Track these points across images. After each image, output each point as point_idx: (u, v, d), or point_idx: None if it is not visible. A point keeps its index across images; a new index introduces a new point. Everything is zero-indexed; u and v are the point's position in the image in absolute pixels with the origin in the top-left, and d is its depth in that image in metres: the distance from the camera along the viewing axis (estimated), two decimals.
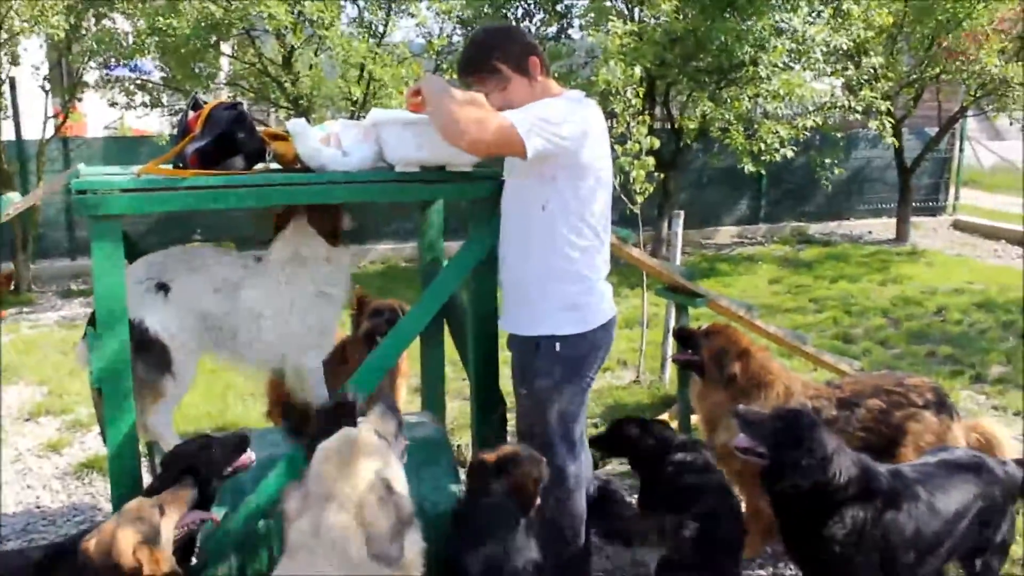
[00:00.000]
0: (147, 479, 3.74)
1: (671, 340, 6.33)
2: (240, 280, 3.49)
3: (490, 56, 3.19)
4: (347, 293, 3.74)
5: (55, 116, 10.10)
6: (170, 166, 3.27)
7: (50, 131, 10.00)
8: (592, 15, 9.99)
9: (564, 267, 3.25)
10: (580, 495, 3.50)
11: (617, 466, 5.17)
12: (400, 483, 2.71)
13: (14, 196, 3.65)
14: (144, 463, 3.76)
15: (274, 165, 3.51)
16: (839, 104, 10.05)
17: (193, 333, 3.41)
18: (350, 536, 2.45)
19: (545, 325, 3.28)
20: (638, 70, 6.50)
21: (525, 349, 3.34)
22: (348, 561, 2.42)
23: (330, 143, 3.29)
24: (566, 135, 3.06)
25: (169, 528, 2.77)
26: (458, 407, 5.67)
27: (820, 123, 9.99)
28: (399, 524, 2.53)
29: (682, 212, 6.29)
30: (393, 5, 10.31)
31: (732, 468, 3.96)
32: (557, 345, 3.26)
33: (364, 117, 3.98)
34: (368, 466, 2.61)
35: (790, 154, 9.61)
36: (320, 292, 3.58)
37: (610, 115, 7.18)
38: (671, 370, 6.44)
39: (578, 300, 3.28)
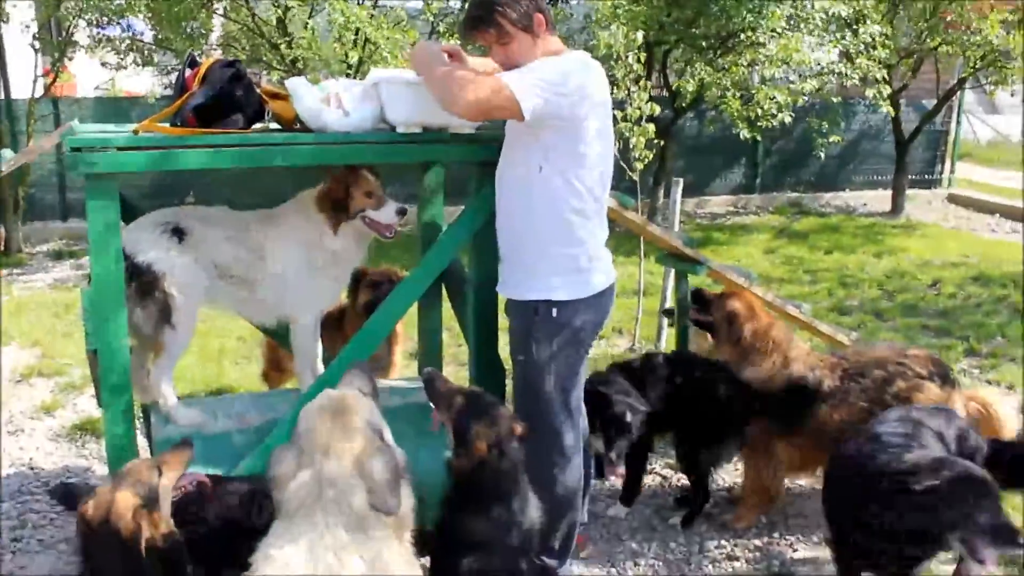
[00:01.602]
0: (141, 441, 3.73)
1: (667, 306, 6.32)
2: (248, 225, 3.51)
3: (493, 11, 3.11)
4: (339, 265, 3.69)
5: (44, 75, 9.96)
6: (168, 124, 3.21)
7: (39, 91, 9.86)
8: None
9: (562, 230, 3.20)
10: (577, 462, 3.49)
11: None
12: (390, 436, 2.69)
13: (6, 153, 3.58)
14: (139, 426, 3.73)
15: (273, 125, 3.45)
16: (836, 71, 9.96)
17: (199, 282, 3.39)
18: (353, 487, 2.43)
19: (543, 289, 3.24)
20: (640, 35, 6.41)
21: (523, 314, 3.30)
22: (351, 513, 2.41)
23: (330, 103, 3.23)
24: (565, 94, 3.01)
25: (167, 490, 2.74)
26: (454, 372, 5.64)
27: (817, 88, 9.92)
28: (396, 474, 2.52)
29: (681, 180, 6.25)
30: None
31: None
32: (555, 310, 3.23)
33: (362, 78, 3.93)
34: (361, 418, 2.59)
35: (788, 119, 9.55)
36: (308, 253, 3.55)
37: (611, 81, 7.11)
38: (667, 338, 6.43)
39: (576, 264, 3.25)
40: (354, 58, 9.19)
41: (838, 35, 9.79)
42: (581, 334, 3.33)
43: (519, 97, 2.94)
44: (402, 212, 3.56)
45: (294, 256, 3.53)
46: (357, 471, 2.46)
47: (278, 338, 4.17)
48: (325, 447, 2.48)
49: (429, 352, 4.34)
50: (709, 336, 4.42)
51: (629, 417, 3.83)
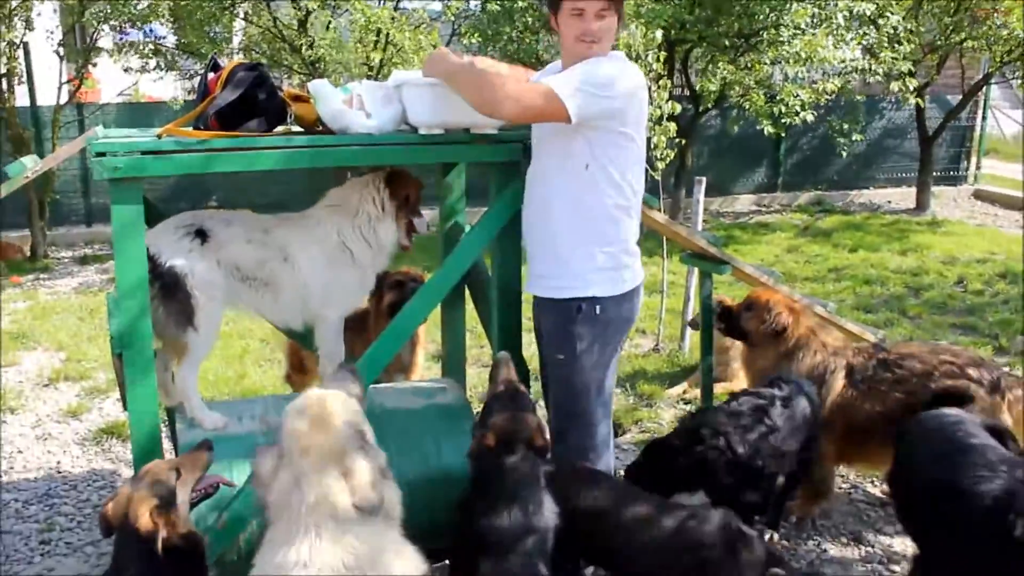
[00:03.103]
0: (166, 444, 3.74)
1: (691, 307, 6.29)
2: (270, 227, 3.50)
3: None
4: (376, 261, 3.68)
5: (69, 82, 10.06)
6: (190, 128, 3.22)
7: (64, 97, 9.95)
8: None
9: (607, 227, 3.22)
10: (609, 455, 3.52)
11: (637, 435, 5.15)
12: (372, 436, 2.68)
13: (31, 160, 3.60)
14: (163, 429, 3.74)
15: (295, 127, 3.46)
16: (860, 67, 9.87)
17: (221, 284, 3.37)
18: (334, 487, 2.43)
19: (587, 287, 3.25)
20: (659, 34, 6.37)
21: (563, 312, 3.29)
22: (335, 513, 2.40)
23: (353, 105, 3.23)
24: (613, 94, 3.05)
25: (185, 491, 2.76)
26: (477, 374, 5.64)
27: (840, 86, 9.83)
28: (378, 473, 2.52)
29: (704, 179, 6.21)
30: None
31: None
32: (598, 307, 3.25)
33: (384, 80, 3.93)
34: (343, 418, 2.58)
35: (811, 117, 9.47)
36: (345, 247, 3.55)
37: None
38: (691, 338, 6.39)
39: (618, 261, 3.27)
40: (376, 60, 9.21)
41: (860, 32, 9.70)
42: (619, 330, 3.36)
43: (565, 100, 2.97)
44: (425, 227, 3.70)
45: (322, 252, 3.53)
46: (337, 471, 2.45)
47: (301, 340, 4.18)
48: (305, 448, 2.47)
49: (452, 354, 4.33)
50: (742, 344, 4.44)
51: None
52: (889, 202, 12.98)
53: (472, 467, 3.12)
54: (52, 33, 9.88)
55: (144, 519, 2.59)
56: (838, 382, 4.04)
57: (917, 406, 3.79)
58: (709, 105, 10.47)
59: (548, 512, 3.02)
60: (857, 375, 4.04)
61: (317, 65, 9.75)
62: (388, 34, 8.89)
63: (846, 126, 10.99)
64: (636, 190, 3.27)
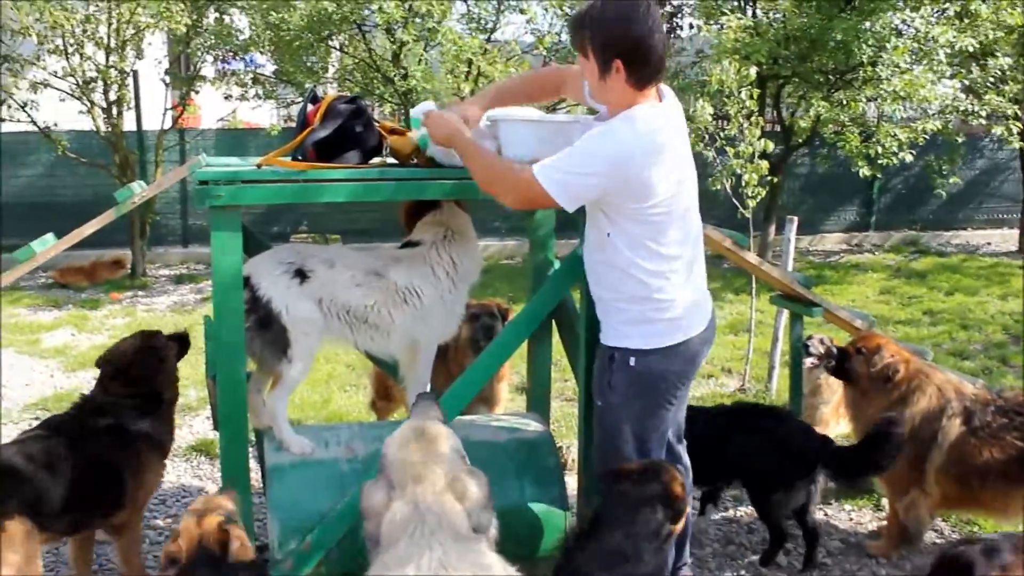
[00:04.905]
0: (253, 465, 3.81)
1: (780, 348, 6.16)
2: (382, 270, 3.52)
3: (584, 26, 3.04)
4: (466, 293, 3.75)
5: (173, 108, 10.47)
6: (289, 158, 3.30)
7: (168, 123, 10.36)
8: (705, 10, 9.83)
9: (634, 290, 3.13)
10: None
11: None
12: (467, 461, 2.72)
13: (139, 185, 3.75)
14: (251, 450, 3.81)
15: (390, 160, 3.52)
16: (962, 107, 9.59)
17: (318, 322, 3.42)
18: (452, 510, 2.46)
19: (619, 337, 3.19)
20: (753, 70, 6.31)
21: (602, 359, 3.26)
22: (458, 534, 2.43)
23: None
24: (594, 174, 2.94)
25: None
26: (559, 408, 5.61)
27: (941, 127, 9.55)
28: (487, 494, 2.55)
29: (796, 218, 6.10)
30: (503, 2, 10.33)
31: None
32: (631, 359, 3.15)
33: None
34: (448, 445, 2.63)
35: (909, 158, 9.22)
36: (468, 271, 3.62)
37: (723, 117, 7.02)
38: (778, 379, 6.25)
39: (652, 317, 3.15)
40: (466, 91, 9.34)
41: (963, 70, 9.44)
42: (661, 383, 3.21)
43: (552, 193, 2.94)
44: None
45: (443, 283, 3.60)
46: (453, 494, 2.49)
47: (388, 368, 4.22)
48: (417, 475, 2.50)
49: (537, 387, 4.31)
50: (846, 385, 4.28)
51: None
52: (988, 244, 12.54)
53: (601, 489, 3.15)
54: (160, 62, 10.32)
55: (216, 531, 2.65)
56: (955, 427, 3.90)
57: None
58: (800, 141, 10.30)
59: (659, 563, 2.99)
60: (976, 421, 3.88)
61: (409, 95, 9.94)
62: (479, 67, 9.01)
63: (944, 166, 10.66)
64: (673, 252, 3.11)
